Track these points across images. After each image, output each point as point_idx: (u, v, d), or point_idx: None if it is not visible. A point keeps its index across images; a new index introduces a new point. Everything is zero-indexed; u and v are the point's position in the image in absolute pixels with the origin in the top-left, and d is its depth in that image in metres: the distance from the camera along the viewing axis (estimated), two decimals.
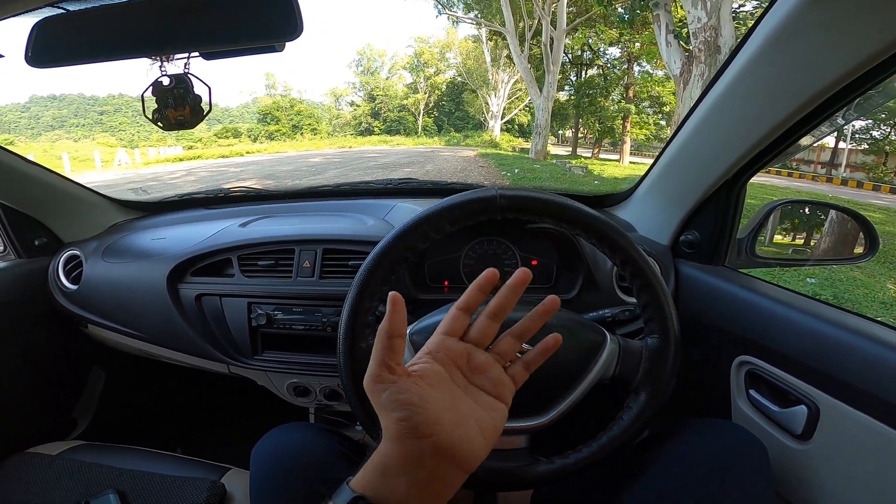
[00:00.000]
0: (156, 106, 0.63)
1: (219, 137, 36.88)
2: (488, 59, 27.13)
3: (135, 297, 1.10)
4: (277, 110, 39.37)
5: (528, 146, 18.35)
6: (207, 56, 0.65)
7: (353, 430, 1.23)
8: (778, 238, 1.13)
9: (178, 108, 0.63)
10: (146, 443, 1.12)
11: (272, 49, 0.64)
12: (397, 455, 0.41)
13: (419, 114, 40.64)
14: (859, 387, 0.64)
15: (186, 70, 0.62)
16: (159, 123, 0.63)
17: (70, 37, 0.60)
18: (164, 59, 0.62)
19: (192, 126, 0.63)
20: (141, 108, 0.66)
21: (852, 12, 0.56)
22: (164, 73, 0.61)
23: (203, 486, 0.92)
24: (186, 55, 0.61)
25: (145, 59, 0.63)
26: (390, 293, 0.45)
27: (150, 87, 0.62)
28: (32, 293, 1.19)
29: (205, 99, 0.63)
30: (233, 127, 42.41)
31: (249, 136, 37.46)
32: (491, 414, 0.44)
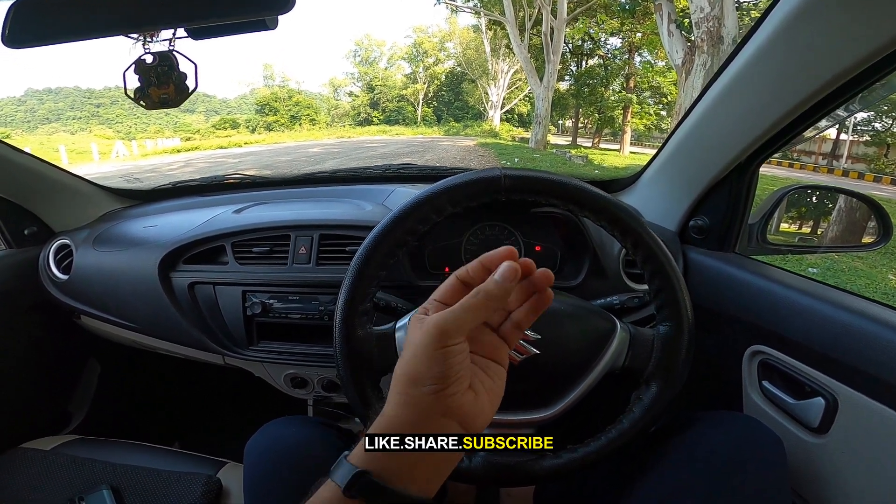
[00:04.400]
0: (138, 84, 0.60)
1: (217, 129, 36.74)
2: (488, 48, 26.95)
3: (126, 286, 1.07)
4: (276, 101, 39.11)
5: (528, 136, 18.27)
6: (196, 35, 0.61)
7: (352, 423, 1.21)
8: (786, 225, 1.11)
9: (161, 86, 0.60)
10: (143, 436, 1.11)
11: (264, 26, 0.60)
12: (405, 420, 0.38)
13: (418, 104, 40.41)
14: (882, 378, 0.61)
15: (171, 47, 0.58)
16: (142, 102, 0.60)
17: (48, 15, 0.57)
18: (147, 37, 0.58)
19: (177, 104, 0.60)
20: (132, 94, 0.63)
21: None
22: (147, 51, 0.58)
23: (199, 480, 0.92)
24: (171, 32, 0.58)
25: (128, 37, 0.60)
26: (505, 263, 0.40)
27: (133, 66, 0.59)
28: (24, 284, 1.17)
29: (190, 76, 0.60)
30: (231, 118, 42.19)
31: (247, 127, 37.31)
32: (492, 376, 0.42)
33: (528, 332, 0.59)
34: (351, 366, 0.60)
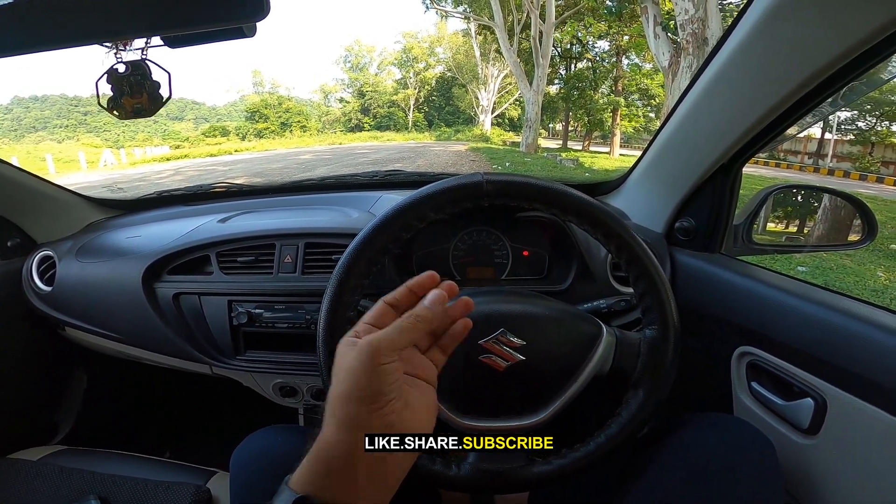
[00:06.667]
0: (111, 94, 0.59)
1: (207, 136, 36.53)
2: (478, 53, 27.01)
3: (109, 298, 1.06)
4: (266, 108, 38.96)
5: (519, 140, 18.35)
6: (172, 44, 0.60)
7: None
8: (772, 225, 1.11)
9: (134, 95, 0.59)
10: (133, 446, 1.09)
11: (241, 34, 0.60)
12: (346, 442, 0.39)
13: (409, 109, 40.43)
14: (870, 378, 0.61)
15: (143, 56, 0.58)
16: (115, 112, 0.59)
17: (16, 25, 0.56)
18: (119, 46, 0.57)
19: (151, 114, 0.59)
20: (105, 104, 0.62)
21: None
22: (119, 60, 0.57)
23: (188, 490, 0.91)
24: (144, 41, 0.57)
25: (102, 46, 0.59)
26: (442, 284, 0.46)
27: (105, 75, 0.58)
28: (7, 295, 1.15)
29: (164, 85, 0.59)
30: (220, 125, 41.96)
31: (238, 135, 37.09)
32: (423, 393, 0.44)
33: (513, 338, 0.59)
34: None
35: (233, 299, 0.99)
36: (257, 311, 0.97)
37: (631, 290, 0.64)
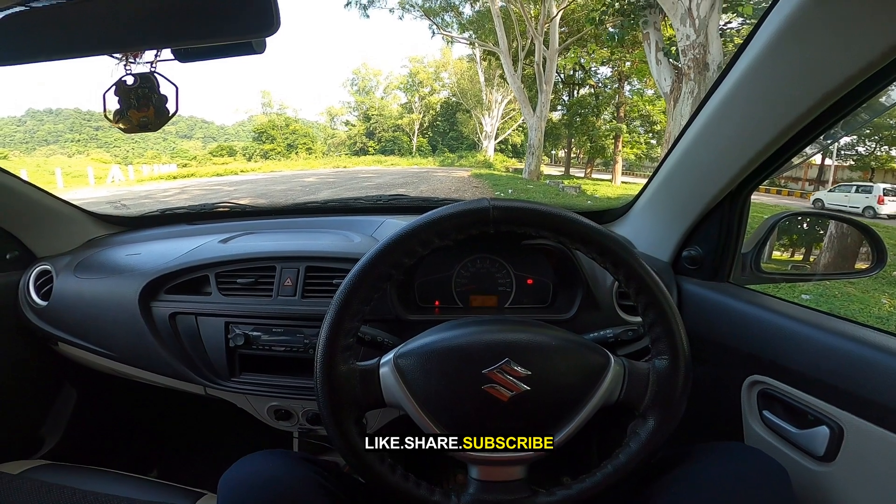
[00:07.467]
0: (118, 107, 0.58)
1: (214, 155, 36.95)
2: (482, 78, 27.45)
3: (105, 315, 1.05)
4: (273, 129, 39.41)
5: (522, 166, 18.47)
6: (182, 58, 0.60)
7: (338, 456, 1.17)
8: (778, 253, 1.10)
9: (141, 108, 0.58)
10: (120, 464, 1.07)
11: (251, 49, 0.60)
12: None
13: (414, 134, 40.86)
14: (889, 406, 0.60)
15: (153, 69, 0.57)
16: (120, 124, 0.58)
17: (33, 33, 0.56)
18: (129, 58, 0.57)
19: (156, 128, 0.58)
20: (111, 116, 0.62)
21: (861, 10, 0.53)
22: (128, 72, 0.57)
23: None
24: (153, 54, 0.57)
25: (112, 57, 0.59)
26: None
27: (113, 87, 0.58)
28: (1, 308, 1.14)
29: (171, 100, 0.59)
30: (228, 145, 42.46)
31: (244, 155, 37.49)
32: None
33: (518, 368, 0.57)
34: (332, 403, 0.58)
35: (230, 321, 0.97)
36: (255, 333, 0.96)
37: (637, 319, 0.63)
